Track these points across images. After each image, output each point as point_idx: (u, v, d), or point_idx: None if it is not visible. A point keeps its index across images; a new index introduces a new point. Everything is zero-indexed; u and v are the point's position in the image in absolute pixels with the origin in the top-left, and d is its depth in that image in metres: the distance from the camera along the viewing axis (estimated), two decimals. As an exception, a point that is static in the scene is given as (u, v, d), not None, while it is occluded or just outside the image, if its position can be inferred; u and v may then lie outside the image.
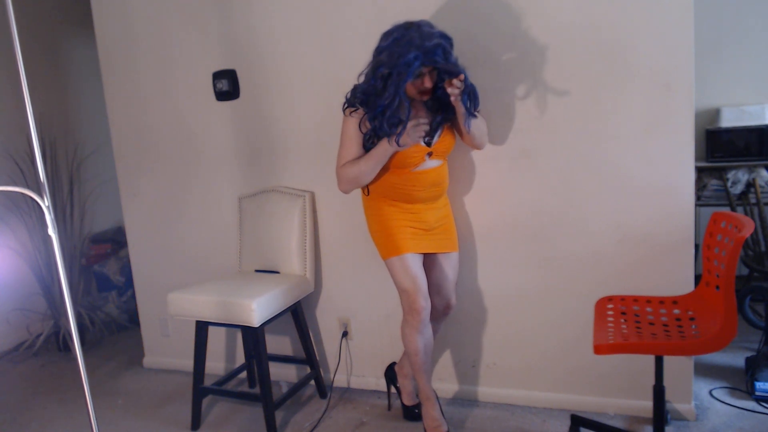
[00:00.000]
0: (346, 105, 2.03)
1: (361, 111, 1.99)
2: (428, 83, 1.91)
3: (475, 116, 2.02)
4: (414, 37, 1.82)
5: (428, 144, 2.02)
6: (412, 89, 1.93)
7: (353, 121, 2.00)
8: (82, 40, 3.98)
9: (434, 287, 2.18)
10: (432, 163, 2.05)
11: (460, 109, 1.95)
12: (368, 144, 2.02)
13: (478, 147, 2.16)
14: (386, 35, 1.90)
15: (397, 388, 2.40)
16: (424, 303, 2.05)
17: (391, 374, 2.43)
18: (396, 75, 1.85)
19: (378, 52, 1.92)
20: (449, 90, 1.86)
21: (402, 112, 1.93)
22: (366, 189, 2.12)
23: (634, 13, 2.04)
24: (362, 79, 2.00)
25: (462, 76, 1.85)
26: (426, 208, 2.11)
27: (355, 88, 2.01)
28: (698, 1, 2.01)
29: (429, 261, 2.17)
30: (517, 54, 2.20)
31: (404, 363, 2.35)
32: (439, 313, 2.23)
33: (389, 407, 2.46)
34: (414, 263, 2.07)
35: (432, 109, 2.04)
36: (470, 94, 1.95)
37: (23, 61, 1.53)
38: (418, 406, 2.35)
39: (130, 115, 2.91)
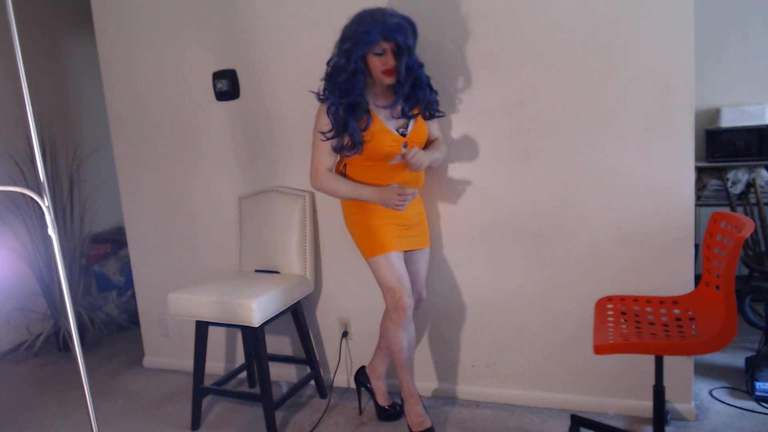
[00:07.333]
0: (321, 94, 2.07)
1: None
2: (391, 60, 1.95)
3: (437, 115, 2.15)
4: (376, 14, 1.92)
5: (403, 134, 2.07)
6: (377, 65, 1.96)
7: (323, 113, 2.05)
8: (82, 40, 3.97)
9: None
10: None
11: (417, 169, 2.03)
12: (333, 136, 2.03)
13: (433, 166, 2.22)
14: (355, 15, 1.97)
15: (370, 391, 2.39)
16: (409, 300, 2.09)
17: (361, 378, 2.42)
18: (354, 45, 1.92)
19: (343, 31, 1.98)
20: (406, 159, 1.99)
21: (359, 88, 1.97)
22: None
23: (634, 13, 2.04)
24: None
25: (405, 152, 1.99)
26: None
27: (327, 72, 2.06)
28: (698, 1, 2.01)
29: (406, 257, 2.20)
30: (517, 54, 2.20)
31: (376, 364, 2.37)
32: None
33: (360, 411, 2.45)
34: (398, 261, 2.11)
35: (398, 96, 2.06)
36: (425, 86, 2.05)
37: (23, 61, 1.53)
38: (393, 405, 2.37)
39: (130, 115, 2.91)
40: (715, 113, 3.45)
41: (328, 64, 2.05)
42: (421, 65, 2.04)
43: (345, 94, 1.98)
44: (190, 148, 2.82)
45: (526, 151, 2.25)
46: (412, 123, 2.10)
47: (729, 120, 3.35)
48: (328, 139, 2.04)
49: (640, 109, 2.09)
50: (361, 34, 1.90)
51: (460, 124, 2.32)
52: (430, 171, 2.36)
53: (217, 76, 2.66)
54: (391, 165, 2.05)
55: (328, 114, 2.02)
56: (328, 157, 2.08)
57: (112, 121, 2.96)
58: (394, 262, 2.09)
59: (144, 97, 2.86)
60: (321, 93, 2.06)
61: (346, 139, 2.02)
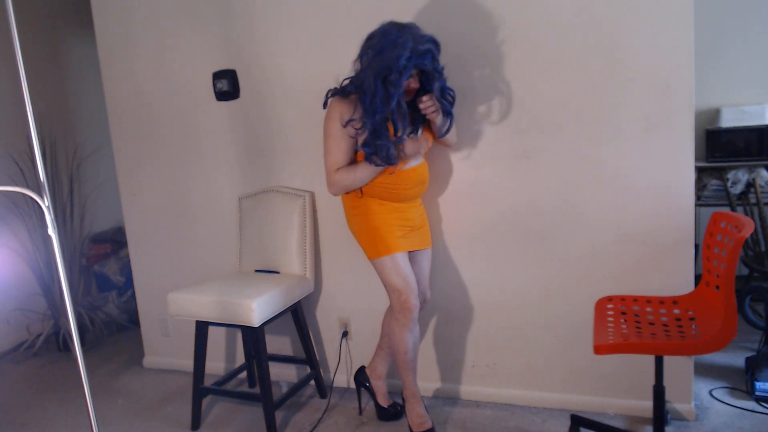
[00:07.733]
0: (331, 94, 2.05)
1: (343, 103, 2.01)
2: (415, 84, 1.99)
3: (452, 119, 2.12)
4: (408, 39, 1.88)
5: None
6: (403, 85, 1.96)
7: (335, 117, 2.01)
8: (82, 39, 3.98)
9: None
10: (416, 161, 2.12)
11: (437, 122, 2.06)
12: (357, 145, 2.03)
13: (450, 146, 2.30)
14: (382, 35, 1.92)
15: (370, 391, 2.39)
16: (416, 301, 2.09)
17: (361, 378, 2.41)
18: (395, 76, 1.88)
19: (374, 53, 1.92)
20: (422, 107, 1.99)
21: (399, 117, 1.97)
22: (360, 190, 2.13)
23: (634, 13, 2.04)
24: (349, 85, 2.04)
25: (432, 96, 1.97)
26: (410, 207, 2.17)
27: (359, 82, 1.98)
28: (698, 1, 2.01)
29: (409, 257, 2.20)
30: (517, 54, 2.20)
31: (376, 364, 2.37)
32: None
33: (360, 412, 2.45)
34: (404, 262, 2.11)
35: (410, 106, 2.07)
36: (447, 100, 2.06)
37: (23, 61, 1.53)
38: (394, 405, 2.37)
39: (130, 115, 2.91)
40: (715, 113, 3.45)
41: (359, 97, 1.97)
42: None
43: (382, 116, 1.95)
44: (190, 148, 2.82)
45: (526, 150, 2.26)
46: (420, 128, 2.11)
47: (729, 120, 3.35)
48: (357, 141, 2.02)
49: (640, 109, 2.09)
50: (402, 68, 1.87)
51: (460, 124, 2.32)
52: (431, 170, 2.37)
53: (217, 76, 2.66)
54: (404, 170, 2.06)
55: (370, 156, 1.98)
56: (344, 162, 2.05)
57: (112, 121, 2.96)
58: (400, 263, 2.09)
59: (144, 97, 2.86)
60: (358, 133, 1.99)
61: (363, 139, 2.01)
